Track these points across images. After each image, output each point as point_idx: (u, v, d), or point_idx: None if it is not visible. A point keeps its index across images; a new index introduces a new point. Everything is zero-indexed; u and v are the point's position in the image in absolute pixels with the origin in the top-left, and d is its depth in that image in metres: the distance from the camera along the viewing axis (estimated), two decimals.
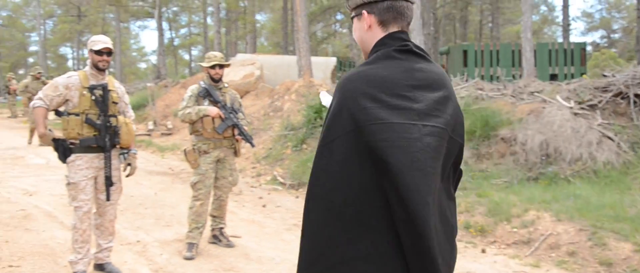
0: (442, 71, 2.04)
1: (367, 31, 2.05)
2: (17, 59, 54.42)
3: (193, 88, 5.98)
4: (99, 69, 4.89)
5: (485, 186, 8.18)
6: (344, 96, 1.88)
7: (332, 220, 1.83)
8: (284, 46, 31.07)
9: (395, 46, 1.98)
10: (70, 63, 57.05)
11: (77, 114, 4.81)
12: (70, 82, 4.85)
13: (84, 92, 4.83)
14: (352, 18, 2.12)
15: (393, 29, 2.02)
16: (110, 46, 4.91)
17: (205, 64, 5.95)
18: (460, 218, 7.04)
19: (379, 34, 2.03)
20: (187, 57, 56.35)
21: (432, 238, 1.75)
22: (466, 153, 9.39)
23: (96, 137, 4.84)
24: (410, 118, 1.83)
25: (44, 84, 15.78)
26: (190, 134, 5.99)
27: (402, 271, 1.81)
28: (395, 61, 1.94)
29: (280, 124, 13.36)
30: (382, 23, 2.02)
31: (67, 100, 4.84)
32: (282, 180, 10.16)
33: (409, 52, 1.98)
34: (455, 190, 2.06)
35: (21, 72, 54.49)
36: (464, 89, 11.59)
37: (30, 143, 14.84)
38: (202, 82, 6.00)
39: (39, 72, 15.76)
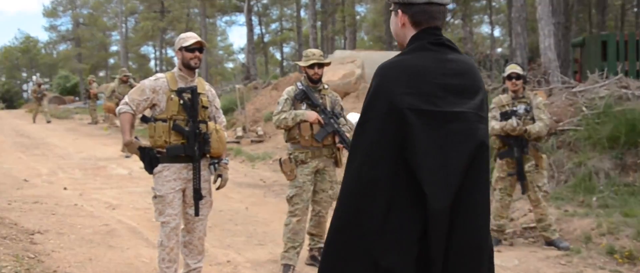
0: (471, 61, 2.50)
1: (401, 28, 2.53)
2: (97, 61, 57.41)
3: (289, 90, 6.07)
4: (190, 68, 5.01)
5: (632, 203, 7.94)
6: (380, 82, 2.36)
7: (360, 194, 2.28)
8: (387, 41, 31.04)
9: (430, 39, 2.43)
10: (152, 64, 59.14)
11: (164, 120, 4.94)
12: (158, 85, 4.99)
13: (172, 96, 4.95)
14: (390, 10, 2.58)
15: (425, 27, 2.49)
16: (202, 41, 5.04)
17: (302, 63, 6.02)
18: (602, 241, 6.87)
19: (411, 31, 2.50)
20: (278, 55, 56.81)
21: (443, 220, 2.22)
22: (608, 164, 9.18)
23: (184, 145, 4.94)
24: (439, 105, 2.29)
25: (132, 87, 16.27)
26: (286, 141, 6.06)
27: (415, 255, 2.25)
28: (429, 52, 2.41)
29: None
30: (415, 23, 2.49)
31: (154, 105, 4.99)
32: None
33: (441, 45, 2.44)
34: None
35: (102, 74, 57.36)
36: (604, 88, 11.25)
37: (122, 151, 14.98)
38: (299, 84, 6.06)
39: (126, 75, 16.09)
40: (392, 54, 20.12)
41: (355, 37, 36.98)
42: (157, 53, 54.77)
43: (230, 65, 63.41)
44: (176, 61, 5.12)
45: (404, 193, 2.25)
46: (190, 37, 5.04)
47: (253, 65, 29.99)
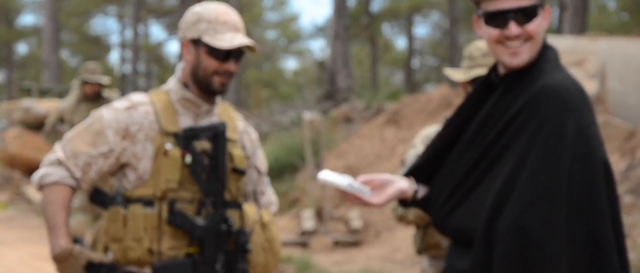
0: None
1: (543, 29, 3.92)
2: None
3: (429, 134, 6.65)
4: (210, 91, 5.16)
5: None
6: (584, 112, 3.58)
7: None
8: None
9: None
10: (115, 57, 61.36)
11: (148, 202, 4.99)
12: (134, 121, 5.09)
13: (167, 146, 5.04)
14: (533, 10, 3.80)
15: None
16: (247, 41, 5.18)
17: (460, 76, 6.48)
18: None
19: None
20: (402, 43, 59.54)
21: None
22: None
23: (194, 261, 5.05)
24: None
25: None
26: (418, 251, 6.65)
27: None
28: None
29: None
30: None
31: (123, 166, 5.10)
32: None
33: None
34: None
35: None
36: None
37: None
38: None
39: (94, 82, 14.56)
40: None
41: (586, 7, 35.11)
42: (125, 33, 57.05)
43: (291, 63, 64.16)
44: (179, 65, 5.30)
45: None
46: (225, 24, 5.19)
47: (344, 65, 30.69)
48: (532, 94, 3.60)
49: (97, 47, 60.18)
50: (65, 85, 31.55)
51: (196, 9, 5.26)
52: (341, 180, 3.91)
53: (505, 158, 3.62)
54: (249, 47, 5.17)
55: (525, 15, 3.74)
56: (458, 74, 6.38)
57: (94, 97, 14.40)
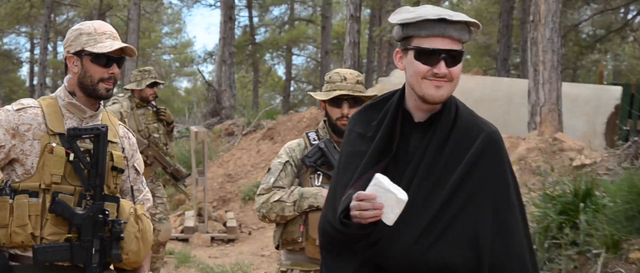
0: None
1: None
2: None
3: (292, 147, 6.58)
4: (96, 96, 5.31)
5: None
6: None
7: None
8: (498, 57, 33.79)
9: None
10: (24, 71, 60.02)
11: (33, 193, 5.14)
12: (23, 121, 5.20)
13: (52, 143, 5.16)
14: (460, 54, 4.14)
15: None
16: (130, 47, 5.31)
17: (320, 96, 6.58)
18: None
19: None
20: (280, 71, 58.84)
21: None
22: None
23: (72, 245, 5.16)
24: None
25: (160, 115, 13.50)
26: (277, 247, 6.66)
27: None
28: None
29: None
30: None
31: (11, 161, 5.21)
32: None
33: None
34: None
35: None
36: None
37: None
38: (313, 135, 6.54)
39: (156, 80, 13.32)
40: (503, 83, 24.08)
41: None
42: (37, 52, 54.74)
43: (183, 83, 63.46)
44: (67, 76, 5.36)
45: None
46: (103, 34, 5.27)
47: (229, 87, 31.17)
48: (485, 141, 4.06)
49: (7, 59, 59.12)
50: None
51: (75, 26, 5.48)
52: (393, 195, 3.79)
53: (477, 198, 3.98)
54: (126, 52, 5.42)
55: (453, 58, 3.97)
56: (320, 95, 6.70)
57: (150, 100, 13.25)
